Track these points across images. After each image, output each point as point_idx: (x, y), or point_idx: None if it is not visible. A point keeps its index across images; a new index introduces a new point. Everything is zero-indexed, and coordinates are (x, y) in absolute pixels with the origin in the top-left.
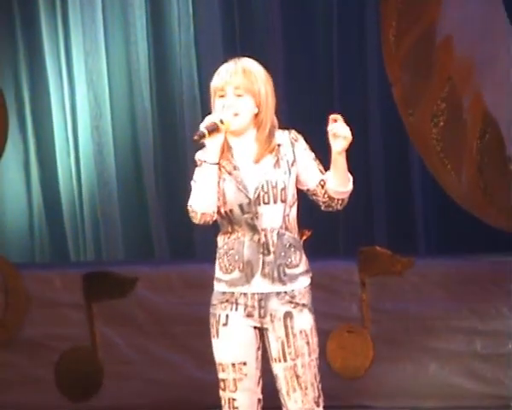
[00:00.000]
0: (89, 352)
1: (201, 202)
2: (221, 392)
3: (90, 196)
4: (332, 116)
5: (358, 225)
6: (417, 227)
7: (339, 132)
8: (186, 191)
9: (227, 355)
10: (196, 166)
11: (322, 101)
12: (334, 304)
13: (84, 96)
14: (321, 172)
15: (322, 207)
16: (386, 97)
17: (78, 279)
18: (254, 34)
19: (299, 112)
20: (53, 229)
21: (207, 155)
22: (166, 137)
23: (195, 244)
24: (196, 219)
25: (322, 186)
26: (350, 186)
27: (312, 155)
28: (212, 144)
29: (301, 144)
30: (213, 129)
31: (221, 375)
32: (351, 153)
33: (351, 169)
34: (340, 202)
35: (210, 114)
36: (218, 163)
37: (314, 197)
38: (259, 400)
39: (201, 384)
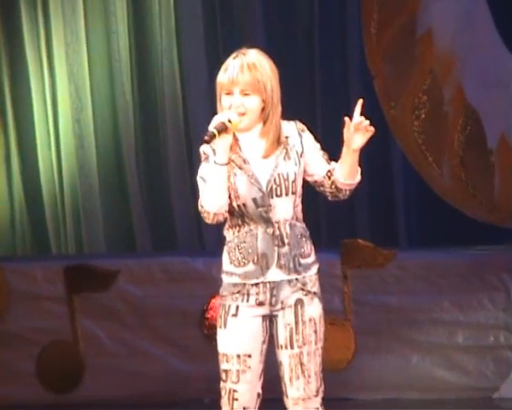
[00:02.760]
0: (70, 345)
1: (214, 203)
2: (222, 383)
3: (72, 188)
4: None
5: (340, 217)
6: (399, 220)
7: (368, 127)
8: (167, 183)
9: (233, 346)
10: (201, 160)
11: (303, 93)
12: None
13: (64, 88)
14: (327, 161)
15: (330, 198)
16: (368, 90)
17: (60, 272)
18: (236, 24)
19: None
20: (34, 222)
21: (217, 155)
22: (148, 129)
23: (177, 237)
24: (209, 219)
25: (329, 177)
26: (358, 177)
27: (318, 145)
28: (222, 144)
29: (308, 135)
30: (222, 129)
31: (224, 366)
32: (332, 144)
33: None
34: (347, 192)
35: (211, 107)
36: (228, 163)
37: (321, 188)
38: (259, 394)
39: (184, 377)
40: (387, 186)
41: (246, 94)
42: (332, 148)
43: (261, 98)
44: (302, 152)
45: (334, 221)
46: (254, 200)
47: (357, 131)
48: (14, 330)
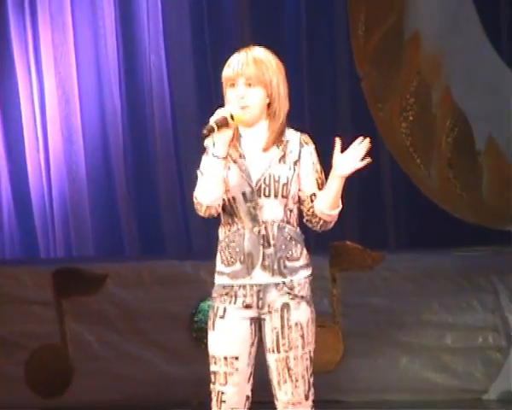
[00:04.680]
0: (59, 349)
1: (208, 196)
2: (211, 385)
3: (60, 192)
4: (361, 140)
5: None
6: (388, 222)
7: (358, 157)
8: (156, 187)
9: (220, 348)
10: (204, 154)
11: (291, 97)
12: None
13: (53, 91)
14: (318, 185)
15: (304, 219)
16: (356, 92)
17: (48, 276)
18: (223, 29)
19: None
20: (23, 226)
21: (215, 148)
22: (136, 132)
23: (165, 240)
24: (201, 211)
25: (312, 200)
26: (335, 212)
27: (317, 166)
28: (221, 138)
29: (309, 149)
30: (223, 124)
31: (213, 368)
32: (321, 146)
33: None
34: (321, 222)
35: (220, 105)
36: (225, 157)
37: (301, 206)
38: (248, 397)
39: (172, 380)
40: (376, 188)
41: (249, 85)
42: (320, 150)
43: (266, 92)
44: (297, 161)
45: None
46: (244, 194)
47: (347, 158)
48: (3, 334)
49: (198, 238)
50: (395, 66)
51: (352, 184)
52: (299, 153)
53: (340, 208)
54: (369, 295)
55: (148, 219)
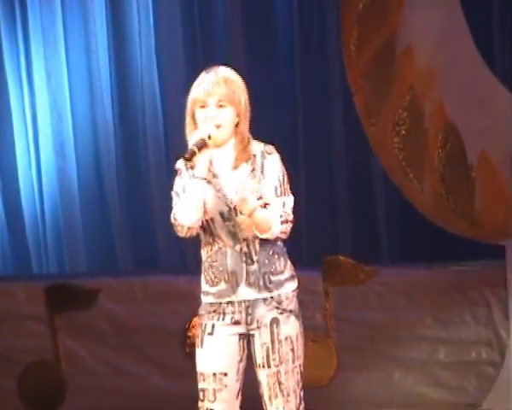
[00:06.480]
0: (52, 364)
1: (189, 217)
2: (200, 403)
3: (52, 207)
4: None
5: (322, 234)
6: (380, 236)
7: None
8: (148, 202)
9: (209, 365)
10: (176, 175)
11: (283, 112)
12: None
13: (45, 107)
14: (276, 194)
15: None
16: (349, 107)
17: (41, 292)
18: (215, 44)
19: (260, 123)
20: (15, 241)
21: (196, 170)
22: (128, 147)
23: (159, 255)
24: (182, 232)
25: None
26: (268, 234)
27: (279, 174)
28: (201, 160)
29: (272, 159)
30: (202, 145)
31: (201, 385)
32: (314, 161)
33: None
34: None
35: (187, 124)
36: (206, 178)
37: None
38: None
39: (165, 395)
40: (369, 202)
41: (221, 106)
42: (312, 164)
43: (236, 111)
44: (262, 173)
45: (316, 238)
46: (221, 214)
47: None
48: None
49: (192, 253)
50: (388, 80)
51: (345, 198)
52: (262, 165)
53: (272, 231)
54: (362, 310)
55: (141, 233)
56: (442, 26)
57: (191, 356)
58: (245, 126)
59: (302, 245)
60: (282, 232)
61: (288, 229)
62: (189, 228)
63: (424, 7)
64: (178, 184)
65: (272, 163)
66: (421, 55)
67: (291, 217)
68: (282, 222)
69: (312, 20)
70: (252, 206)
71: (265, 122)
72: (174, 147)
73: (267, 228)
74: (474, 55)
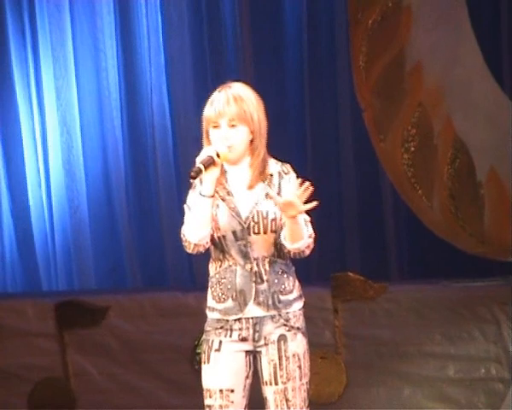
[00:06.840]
0: (61, 381)
1: (195, 234)
2: None
3: (62, 225)
4: (304, 185)
5: (331, 250)
6: (390, 253)
7: (298, 204)
8: (158, 219)
9: (216, 381)
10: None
11: (293, 128)
12: (307, 330)
13: (55, 125)
14: None
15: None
16: (358, 123)
17: (51, 309)
18: (225, 62)
19: (270, 138)
20: (25, 259)
21: (203, 187)
22: (138, 164)
23: (168, 272)
24: (189, 249)
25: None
26: (298, 245)
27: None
28: (208, 177)
29: (289, 179)
30: (210, 163)
31: (208, 401)
32: (323, 177)
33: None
34: (290, 253)
35: (201, 143)
36: (213, 195)
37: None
38: None
39: None
40: (378, 219)
41: (233, 125)
42: (321, 180)
43: (249, 129)
44: (279, 193)
45: (325, 255)
46: (234, 233)
47: (289, 203)
48: (6, 367)
49: (201, 270)
50: (397, 97)
51: (354, 214)
52: (279, 185)
53: (303, 241)
54: (371, 327)
55: (150, 250)
56: (451, 42)
57: (200, 373)
58: (260, 143)
59: (311, 262)
60: (308, 246)
61: (312, 245)
62: (195, 245)
63: (433, 24)
64: (191, 197)
65: (289, 182)
66: (430, 72)
67: (313, 234)
68: (309, 236)
69: (321, 37)
70: (298, 209)
71: (273, 137)
72: (183, 165)
73: (301, 237)
74: (483, 72)
